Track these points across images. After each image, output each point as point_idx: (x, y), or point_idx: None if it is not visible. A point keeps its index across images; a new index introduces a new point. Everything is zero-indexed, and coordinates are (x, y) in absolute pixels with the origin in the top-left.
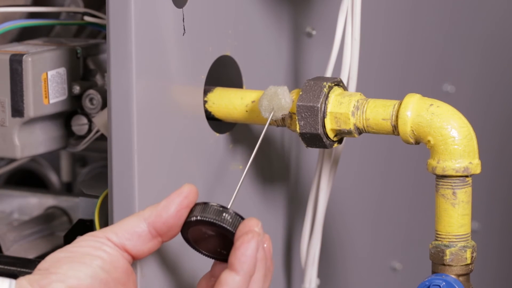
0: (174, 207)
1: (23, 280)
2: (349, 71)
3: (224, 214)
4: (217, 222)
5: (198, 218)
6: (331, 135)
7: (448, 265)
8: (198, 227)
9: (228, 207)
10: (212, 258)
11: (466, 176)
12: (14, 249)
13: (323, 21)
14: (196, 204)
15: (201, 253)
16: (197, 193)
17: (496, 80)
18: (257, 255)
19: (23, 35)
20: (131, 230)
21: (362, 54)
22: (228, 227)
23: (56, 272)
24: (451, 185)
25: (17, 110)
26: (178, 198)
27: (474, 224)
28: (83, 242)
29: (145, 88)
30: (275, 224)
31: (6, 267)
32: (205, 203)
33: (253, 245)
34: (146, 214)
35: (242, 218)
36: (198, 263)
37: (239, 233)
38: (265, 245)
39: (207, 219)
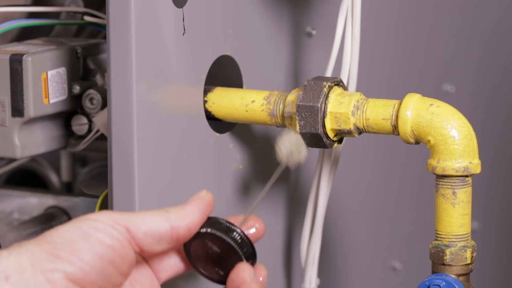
0: (199, 214)
1: (23, 256)
2: (349, 71)
3: (234, 233)
4: (227, 239)
5: (209, 231)
6: (331, 135)
7: (448, 265)
8: (204, 240)
9: (238, 225)
10: (207, 278)
11: (466, 176)
12: None
13: (323, 21)
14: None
15: (198, 270)
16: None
17: (496, 80)
18: None
19: (23, 35)
20: (154, 229)
21: (362, 54)
22: (236, 248)
23: (65, 258)
24: (451, 185)
25: (17, 110)
26: (203, 204)
27: (474, 224)
28: (101, 225)
29: (145, 88)
30: (275, 224)
31: None
32: (216, 218)
33: None
34: (172, 216)
35: (250, 242)
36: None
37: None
38: (260, 278)
39: (218, 234)
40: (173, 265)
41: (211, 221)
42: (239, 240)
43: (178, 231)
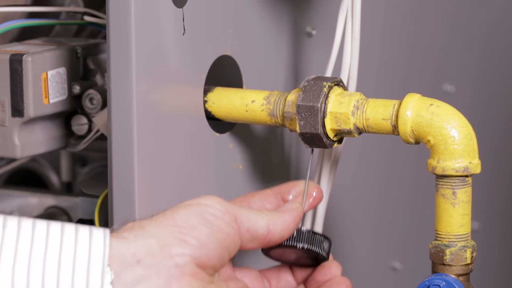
0: (293, 225)
1: (151, 240)
2: (349, 71)
3: (324, 244)
4: (320, 252)
5: (305, 247)
6: (331, 135)
7: (448, 265)
8: (292, 250)
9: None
10: (283, 262)
11: (466, 176)
12: None
13: (323, 21)
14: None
15: (274, 259)
16: None
17: (496, 80)
18: None
19: (23, 35)
20: (255, 228)
21: (362, 54)
22: (326, 257)
23: (192, 243)
24: (451, 185)
25: (17, 110)
26: (297, 215)
27: (474, 224)
28: (218, 212)
29: (145, 88)
30: None
31: None
32: (304, 229)
33: None
34: (271, 221)
35: (330, 243)
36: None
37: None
38: None
39: (313, 249)
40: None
41: (300, 233)
42: (327, 248)
43: (272, 236)
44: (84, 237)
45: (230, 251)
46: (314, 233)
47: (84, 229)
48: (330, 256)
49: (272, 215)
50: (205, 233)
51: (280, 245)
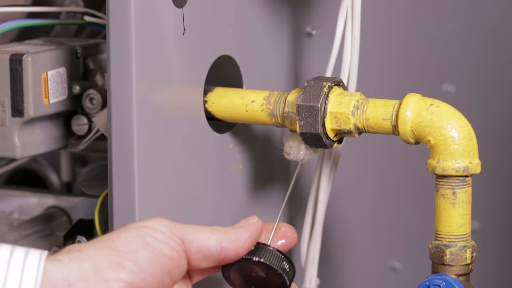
0: (250, 240)
1: (85, 262)
2: (349, 71)
3: (284, 263)
4: (278, 270)
5: (262, 260)
6: (331, 135)
7: (448, 265)
8: (251, 265)
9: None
10: None
11: (466, 176)
12: None
13: (323, 21)
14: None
15: (231, 283)
16: None
17: (496, 80)
18: None
19: (23, 35)
20: (206, 247)
21: (362, 54)
22: (286, 279)
23: (128, 267)
24: (451, 185)
25: (17, 110)
26: (255, 230)
27: (474, 224)
28: (161, 236)
29: (145, 88)
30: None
31: None
32: (263, 244)
33: None
34: (223, 237)
35: (294, 267)
36: None
37: None
38: None
39: (271, 265)
40: (206, 269)
41: (259, 248)
42: (288, 269)
43: (227, 253)
44: (18, 260)
45: (173, 276)
46: (276, 251)
47: (20, 251)
48: (293, 285)
49: (226, 231)
50: (144, 257)
51: (236, 262)
